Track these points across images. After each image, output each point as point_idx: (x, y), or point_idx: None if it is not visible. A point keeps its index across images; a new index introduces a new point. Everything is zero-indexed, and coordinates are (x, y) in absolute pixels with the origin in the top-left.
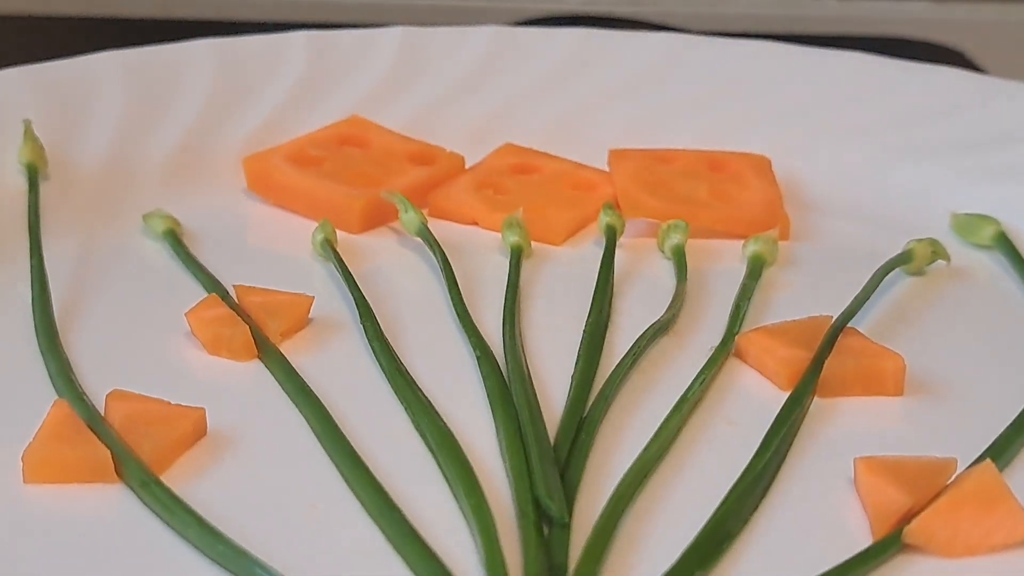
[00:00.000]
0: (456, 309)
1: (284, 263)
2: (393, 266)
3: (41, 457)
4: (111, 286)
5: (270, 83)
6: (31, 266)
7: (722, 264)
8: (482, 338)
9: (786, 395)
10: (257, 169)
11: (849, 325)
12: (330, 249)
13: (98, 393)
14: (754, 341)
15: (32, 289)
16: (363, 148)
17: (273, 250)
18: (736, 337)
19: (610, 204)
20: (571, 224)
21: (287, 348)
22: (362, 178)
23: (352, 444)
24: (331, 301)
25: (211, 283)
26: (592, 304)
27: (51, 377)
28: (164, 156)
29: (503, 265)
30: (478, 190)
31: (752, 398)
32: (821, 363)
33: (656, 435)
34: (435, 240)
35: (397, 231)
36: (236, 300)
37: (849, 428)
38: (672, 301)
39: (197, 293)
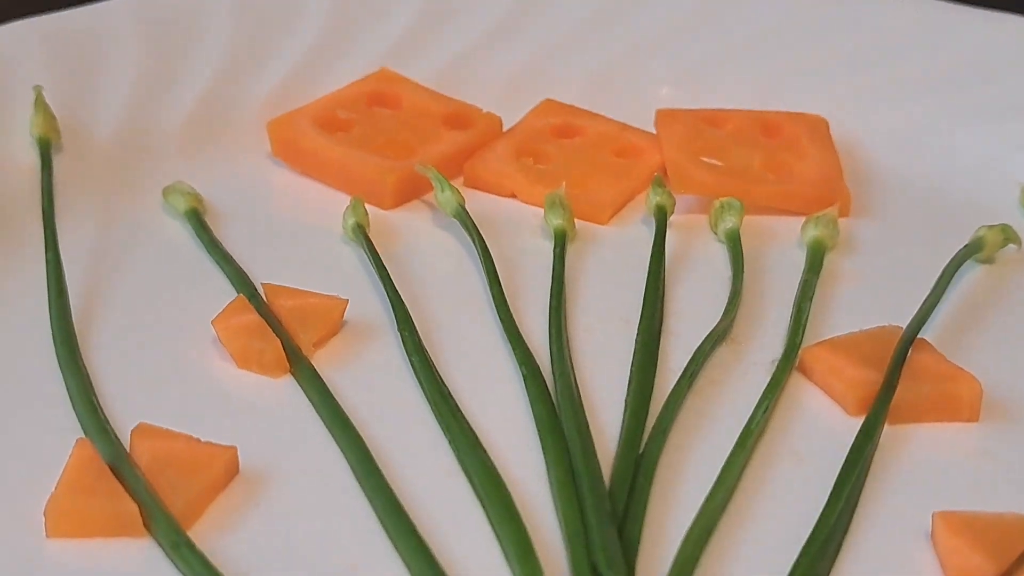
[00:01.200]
0: (499, 312)
1: (313, 247)
2: (428, 249)
3: (64, 510)
4: (132, 277)
5: (293, 32)
6: (46, 261)
7: (779, 248)
8: (528, 351)
9: (855, 421)
10: (283, 134)
11: (919, 336)
12: (362, 236)
13: (122, 416)
14: (820, 358)
15: (48, 290)
16: (394, 108)
17: (301, 230)
18: (800, 351)
19: (659, 178)
20: (618, 199)
21: (320, 359)
22: (394, 145)
23: (394, 488)
24: (364, 296)
25: (238, 278)
26: (643, 307)
27: (73, 403)
28: (183, 116)
29: (545, 249)
30: (517, 158)
31: (819, 425)
32: (892, 388)
33: (720, 479)
34: (473, 225)
35: (431, 204)
36: (265, 301)
37: (923, 461)
38: (728, 304)
39: (223, 286)
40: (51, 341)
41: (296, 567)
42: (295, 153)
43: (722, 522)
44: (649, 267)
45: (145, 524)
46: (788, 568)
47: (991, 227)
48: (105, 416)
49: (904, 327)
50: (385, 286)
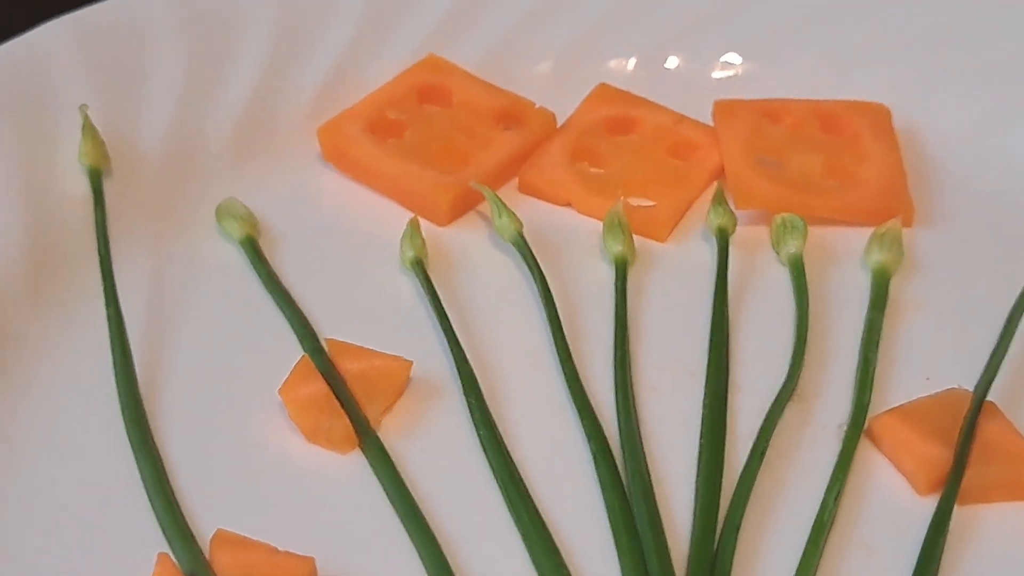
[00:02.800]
0: (564, 369)
1: (371, 276)
2: (485, 275)
3: None
4: (193, 323)
5: (333, 21)
6: (108, 317)
7: (841, 268)
8: (595, 421)
9: (924, 501)
10: (333, 142)
11: (988, 398)
12: (422, 274)
13: (196, 501)
14: (889, 430)
15: (113, 354)
16: (444, 105)
17: (357, 250)
18: (869, 419)
19: (720, 193)
20: (676, 214)
21: (386, 426)
22: (448, 153)
23: None
24: (426, 339)
25: (300, 326)
26: (709, 359)
27: (151, 502)
28: (230, 120)
29: (605, 276)
30: (572, 164)
31: (889, 508)
32: (962, 470)
33: None
34: (532, 256)
35: (486, 216)
36: (329, 357)
37: (994, 545)
38: (794, 353)
39: (285, 334)
40: (119, 412)
41: None
42: (347, 161)
43: None
44: (713, 305)
45: None
46: None
47: None
48: (184, 519)
49: (972, 389)
50: (448, 340)
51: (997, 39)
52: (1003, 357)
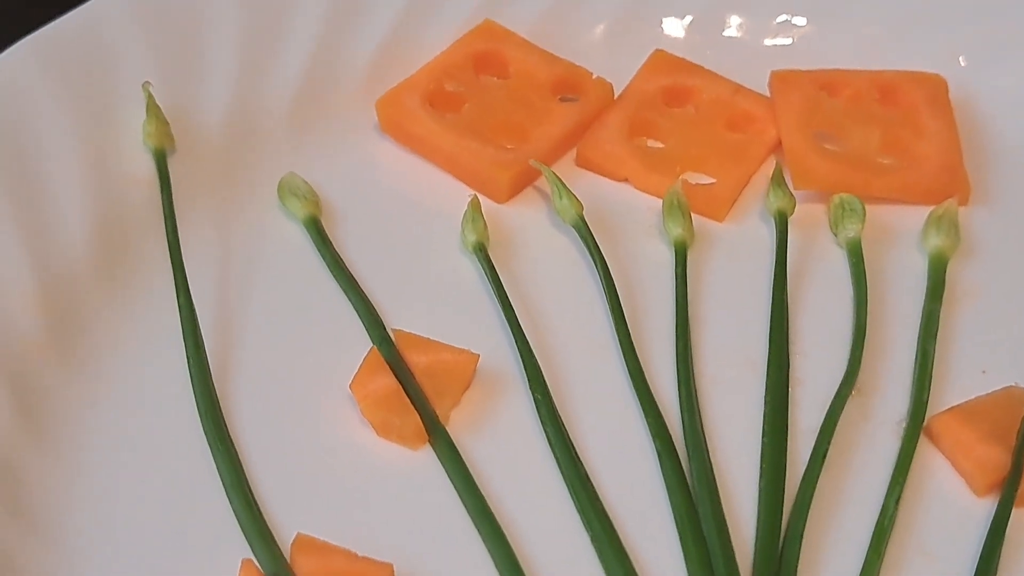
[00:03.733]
0: (627, 363)
1: (433, 258)
2: (546, 256)
3: None
4: (260, 307)
5: None
6: (179, 306)
7: (899, 251)
8: (660, 418)
9: (982, 502)
10: (391, 115)
11: None
12: (485, 261)
13: (273, 498)
14: (948, 429)
15: (186, 346)
16: (501, 76)
17: (417, 228)
18: (927, 418)
19: (779, 172)
20: (735, 191)
21: (455, 421)
22: (506, 128)
23: None
24: (490, 325)
25: (367, 314)
26: (770, 349)
27: (232, 505)
28: (289, 92)
29: (665, 257)
30: (629, 138)
31: (948, 510)
32: (1019, 471)
33: None
34: (593, 241)
35: (545, 193)
36: (398, 350)
37: None
38: (853, 345)
39: (352, 321)
40: (193, 403)
41: None
42: (405, 134)
43: None
44: (773, 294)
45: None
46: None
47: None
48: (264, 522)
49: None
50: (514, 332)
51: None
52: None
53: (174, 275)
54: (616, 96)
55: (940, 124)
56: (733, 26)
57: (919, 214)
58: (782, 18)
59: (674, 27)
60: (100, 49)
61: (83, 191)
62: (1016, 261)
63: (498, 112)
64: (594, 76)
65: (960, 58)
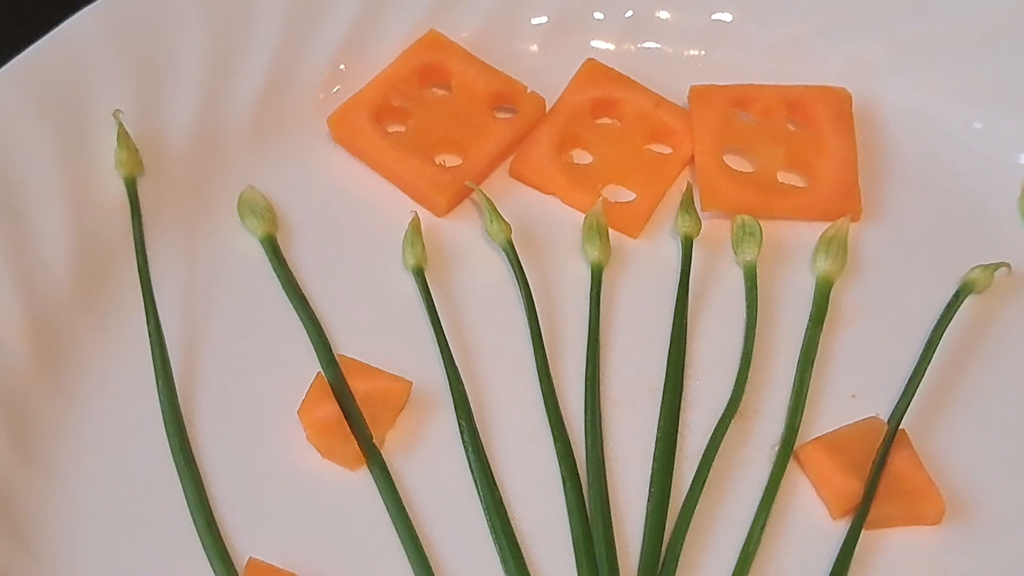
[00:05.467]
0: (543, 388)
1: (377, 277)
2: (477, 273)
3: None
4: (224, 329)
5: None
6: (149, 333)
7: (792, 269)
8: (567, 443)
9: (836, 524)
10: (342, 131)
11: (902, 426)
12: (421, 285)
13: (228, 512)
14: (812, 457)
15: (155, 367)
16: (445, 86)
17: (365, 242)
18: (796, 447)
19: (688, 196)
20: (649, 210)
21: (389, 442)
22: (447, 143)
23: None
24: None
25: (316, 337)
26: (666, 379)
27: (196, 525)
28: (249, 109)
29: (585, 273)
30: (558, 154)
31: (806, 529)
32: (870, 501)
33: None
34: (519, 263)
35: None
36: (342, 375)
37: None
38: (740, 369)
39: (304, 341)
40: (160, 419)
41: None
42: (355, 149)
43: None
44: (674, 318)
45: None
46: None
47: (984, 267)
48: (223, 543)
49: (893, 406)
50: (444, 358)
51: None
52: (916, 388)
53: (144, 302)
54: (549, 108)
55: (841, 141)
56: (662, 33)
57: (819, 229)
58: (711, 19)
59: (607, 34)
60: (73, 76)
61: (60, 218)
62: (899, 279)
63: (440, 128)
64: (528, 90)
65: (867, 69)
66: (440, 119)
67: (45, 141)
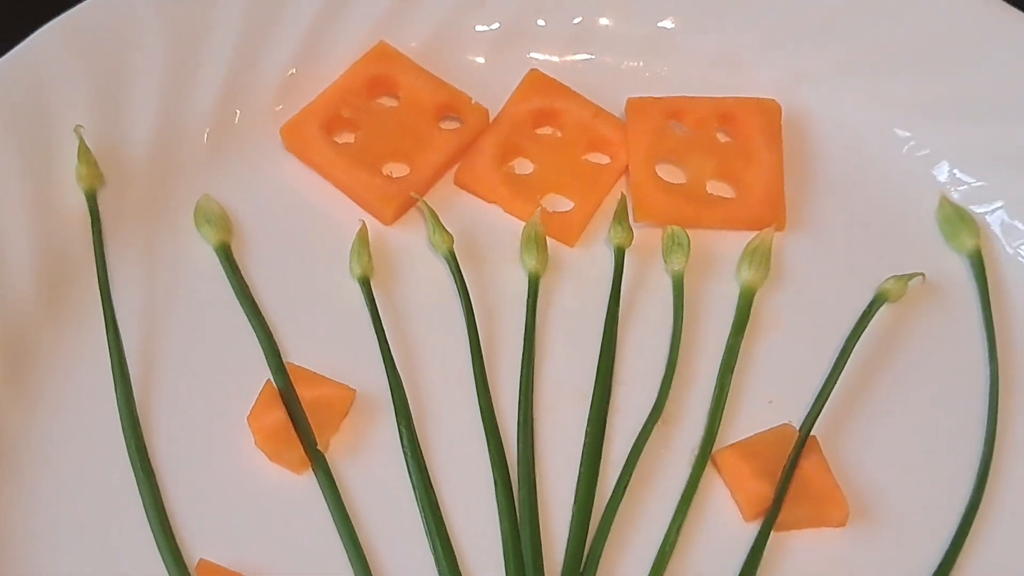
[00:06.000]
0: (479, 396)
1: (325, 283)
2: (424, 275)
3: None
4: (180, 334)
5: (294, 10)
6: (108, 341)
7: (720, 285)
8: (501, 450)
9: (749, 525)
10: (294, 141)
11: (814, 432)
12: (367, 295)
13: (181, 511)
14: (728, 462)
15: (113, 374)
16: (392, 97)
17: (315, 249)
18: (713, 452)
19: (621, 208)
20: (586, 218)
21: (333, 446)
22: (394, 154)
23: None
24: (370, 356)
25: (266, 343)
26: (595, 386)
27: (152, 527)
28: (206, 119)
29: (523, 281)
30: (500, 164)
31: (722, 533)
32: (779, 506)
33: None
34: (459, 273)
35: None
36: (290, 381)
37: (801, 565)
38: (664, 379)
39: (255, 347)
40: (119, 426)
41: None
42: (307, 159)
43: None
44: (604, 326)
45: None
46: None
47: (898, 279)
48: (176, 546)
49: (807, 411)
50: (387, 367)
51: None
52: (828, 396)
53: (103, 310)
54: (493, 117)
55: (768, 153)
56: (603, 44)
57: (748, 238)
58: (651, 29)
59: (550, 45)
60: (35, 92)
61: (23, 230)
62: (820, 288)
63: (387, 138)
64: (472, 101)
65: (797, 82)
66: (388, 130)
67: (9, 155)
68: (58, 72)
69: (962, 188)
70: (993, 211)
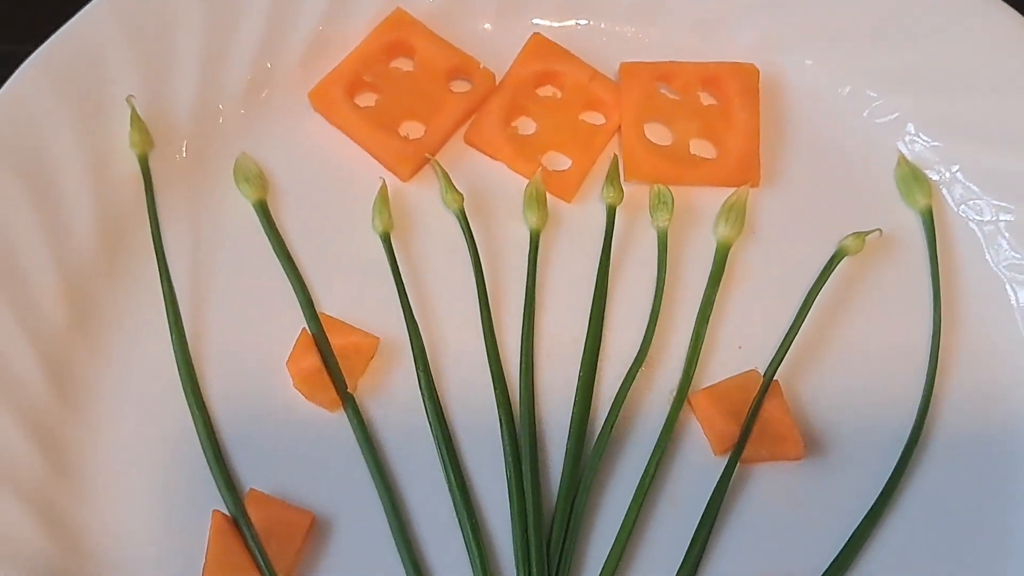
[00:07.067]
0: (486, 345)
1: (352, 239)
2: (438, 228)
3: (215, 571)
4: (226, 284)
5: None
6: (163, 293)
7: (700, 239)
8: (506, 391)
9: (718, 459)
10: (321, 104)
11: (776, 377)
12: (388, 249)
13: (234, 447)
14: (701, 403)
15: (169, 323)
16: (408, 59)
17: (344, 203)
18: (690, 393)
19: (614, 167)
20: (582, 175)
21: (362, 387)
22: (411, 116)
23: (414, 528)
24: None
25: (301, 294)
26: (588, 332)
27: (209, 465)
28: (242, 84)
29: (524, 239)
30: (505, 124)
31: (692, 463)
32: (744, 442)
33: (616, 541)
34: (469, 230)
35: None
36: (323, 329)
37: (761, 494)
38: (648, 327)
39: (292, 298)
40: (176, 369)
41: None
42: (332, 120)
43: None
44: (596, 278)
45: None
46: None
47: (856, 236)
48: (229, 476)
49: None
50: (406, 316)
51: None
52: (790, 344)
53: (158, 264)
54: (500, 80)
55: (746, 114)
56: (600, 10)
57: (726, 195)
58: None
59: (551, 12)
60: (89, 65)
61: (84, 194)
62: (789, 241)
63: (404, 101)
64: (480, 66)
65: (774, 48)
66: (404, 93)
67: (68, 125)
68: (108, 46)
69: (921, 151)
70: (948, 174)
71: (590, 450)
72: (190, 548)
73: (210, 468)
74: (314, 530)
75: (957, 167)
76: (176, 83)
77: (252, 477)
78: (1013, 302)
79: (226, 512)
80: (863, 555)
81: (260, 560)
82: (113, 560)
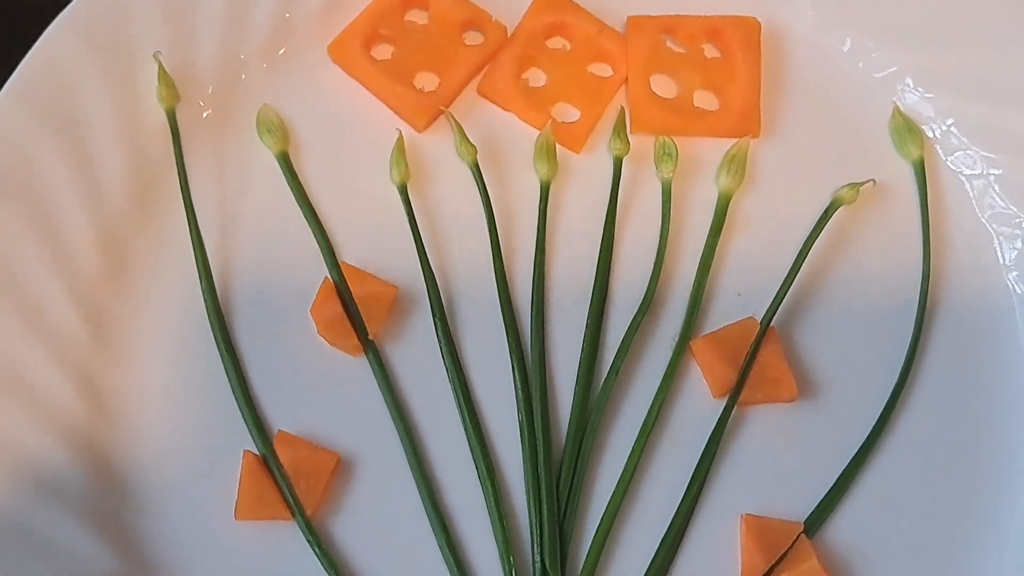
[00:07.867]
0: (500, 296)
1: (372, 190)
2: (452, 178)
3: (246, 507)
4: (252, 234)
5: None
6: (192, 242)
7: (703, 189)
8: (518, 339)
9: (716, 402)
10: (339, 57)
11: (772, 324)
12: (405, 200)
13: (263, 393)
14: (702, 349)
15: (200, 278)
16: (423, 10)
17: (362, 153)
18: (691, 340)
19: (620, 119)
20: (589, 126)
21: (382, 336)
22: (426, 68)
23: (434, 472)
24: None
25: (323, 242)
26: (595, 285)
27: (240, 408)
28: (262, 37)
29: (535, 187)
30: (516, 77)
31: (692, 406)
32: (741, 386)
33: (622, 477)
34: (482, 181)
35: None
36: (344, 279)
37: (757, 435)
38: (651, 277)
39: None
40: (205, 315)
41: (378, 544)
42: (351, 72)
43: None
44: (603, 228)
45: (292, 512)
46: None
47: (851, 187)
48: (259, 417)
49: (760, 319)
50: (423, 265)
51: None
52: (787, 291)
53: (186, 213)
54: (511, 33)
55: (748, 67)
56: None
57: (728, 145)
58: None
59: None
60: (119, 24)
61: (115, 146)
62: (788, 191)
63: (419, 54)
64: (492, 19)
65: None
66: (420, 45)
67: (99, 82)
68: (136, 5)
69: (917, 105)
70: (943, 127)
71: (597, 393)
72: (222, 486)
73: (240, 411)
74: (339, 468)
75: (951, 120)
76: (200, 38)
77: (280, 419)
78: (999, 252)
79: (256, 452)
80: (852, 490)
81: (289, 497)
82: (153, 501)
